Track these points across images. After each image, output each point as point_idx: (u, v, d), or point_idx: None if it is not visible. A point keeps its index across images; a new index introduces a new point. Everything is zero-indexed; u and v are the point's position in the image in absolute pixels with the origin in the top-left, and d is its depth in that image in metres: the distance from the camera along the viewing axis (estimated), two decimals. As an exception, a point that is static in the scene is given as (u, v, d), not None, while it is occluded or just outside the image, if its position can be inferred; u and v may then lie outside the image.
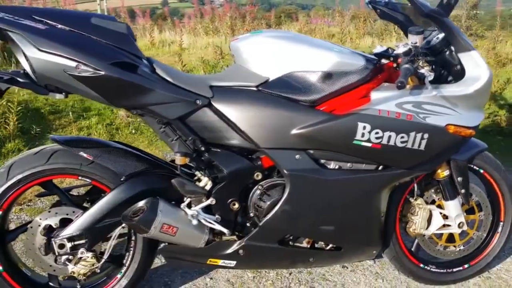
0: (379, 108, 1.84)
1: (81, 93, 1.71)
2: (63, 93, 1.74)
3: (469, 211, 2.22)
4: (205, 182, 1.87)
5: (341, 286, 2.25)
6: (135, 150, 1.96)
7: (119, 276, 1.96)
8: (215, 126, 1.84)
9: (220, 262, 1.94)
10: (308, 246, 2.01)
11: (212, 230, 1.89)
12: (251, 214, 1.92)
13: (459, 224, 2.14)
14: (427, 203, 2.14)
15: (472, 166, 2.18)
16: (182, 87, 1.79)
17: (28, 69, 1.65)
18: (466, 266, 2.29)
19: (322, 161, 1.90)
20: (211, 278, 2.26)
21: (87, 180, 1.86)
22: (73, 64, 1.60)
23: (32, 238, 1.83)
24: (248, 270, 2.30)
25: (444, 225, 2.15)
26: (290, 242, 1.98)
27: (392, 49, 2.02)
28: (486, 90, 1.95)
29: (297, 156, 1.85)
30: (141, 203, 1.79)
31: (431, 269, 2.26)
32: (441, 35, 2.00)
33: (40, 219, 1.83)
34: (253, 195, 1.91)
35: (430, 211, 2.13)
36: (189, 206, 1.86)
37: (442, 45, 1.99)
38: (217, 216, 1.88)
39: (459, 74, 1.97)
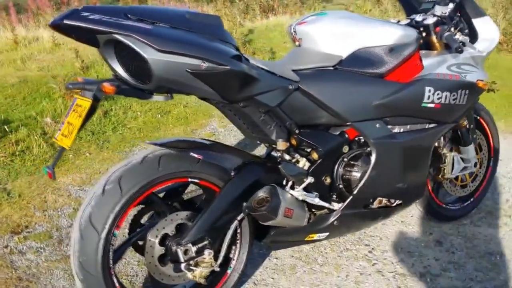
0: (437, 72, 2.10)
1: (195, 92, 1.65)
2: (169, 95, 1.66)
3: (473, 152, 2.63)
4: (304, 163, 1.94)
5: (386, 238, 2.51)
6: (220, 143, 1.95)
7: (229, 271, 1.94)
8: (306, 108, 1.91)
9: (316, 236, 2.04)
10: (378, 206, 2.20)
11: (309, 206, 1.98)
12: (340, 186, 2.04)
13: (474, 164, 2.53)
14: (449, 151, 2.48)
15: (472, 114, 2.58)
16: (277, 74, 1.82)
17: (123, 75, 1.55)
18: (471, 199, 2.72)
19: (390, 126, 2.09)
20: (276, 258, 2.33)
21: (196, 180, 1.80)
22: (198, 62, 1.53)
23: (152, 251, 1.72)
24: (304, 243, 2.43)
25: (464, 168, 2.52)
26: (370, 205, 2.15)
27: (416, 21, 2.29)
28: (494, 49, 2.33)
29: (377, 125, 2.02)
30: (260, 193, 1.80)
31: (450, 207, 2.64)
32: (451, 5, 2.31)
33: (157, 229, 1.73)
34: (339, 168, 2.04)
35: (453, 157, 2.48)
36: (292, 188, 1.92)
37: (453, 14, 2.31)
38: (315, 193, 1.97)
39: (469, 37, 2.32)
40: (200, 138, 1.91)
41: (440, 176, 2.46)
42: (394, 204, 2.23)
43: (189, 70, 1.54)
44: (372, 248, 2.42)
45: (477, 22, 2.28)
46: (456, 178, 2.60)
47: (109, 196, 1.63)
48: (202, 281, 1.79)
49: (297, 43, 2.07)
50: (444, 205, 2.60)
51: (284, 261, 2.31)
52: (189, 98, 4.54)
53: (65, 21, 1.41)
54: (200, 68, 1.55)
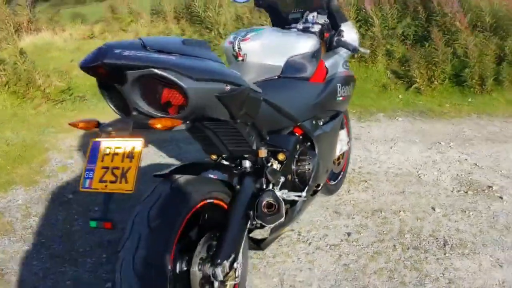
0: (339, 70, 2.54)
1: (214, 114, 1.69)
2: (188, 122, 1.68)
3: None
4: (276, 165, 2.14)
5: (301, 221, 2.86)
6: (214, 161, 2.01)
7: (237, 281, 1.99)
8: (272, 115, 2.11)
9: (286, 228, 2.27)
10: (315, 190, 2.53)
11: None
12: (296, 180, 2.30)
13: (347, 143, 3.08)
14: (332, 136, 2.97)
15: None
16: (250, 87, 1.97)
17: (149, 110, 1.54)
18: (342, 173, 3.28)
19: (319, 120, 2.45)
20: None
21: (212, 200, 1.82)
22: (222, 86, 1.62)
23: (196, 280, 1.71)
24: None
25: (341, 148, 3.04)
26: (312, 192, 2.46)
27: (300, 29, 2.67)
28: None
29: (313, 122, 2.35)
30: (265, 198, 1.92)
31: (332, 184, 3.14)
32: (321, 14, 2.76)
33: (195, 256, 1.72)
34: (295, 164, 2.29)
35: (335, 141, 2.97)
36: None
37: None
38: (285, 190, 2.18)
39: None
40: (196, 160, 1.92)
41: (328, 158, 2.93)
42: (319, 188, 2.60)
43: (216, 94, 1.60)
44: (299, 231, 2.76)
45: (344, 26, 2.79)
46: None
47: (158, 233, 1.57)
48: (231, 296, 1.85)
49: (240, 58, 2.23)
50: (330, 183, 3.09)
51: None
52: (9, 135, 4.02)
53: (106, 61, 1.35)
54: (225, 91, 1.62)
